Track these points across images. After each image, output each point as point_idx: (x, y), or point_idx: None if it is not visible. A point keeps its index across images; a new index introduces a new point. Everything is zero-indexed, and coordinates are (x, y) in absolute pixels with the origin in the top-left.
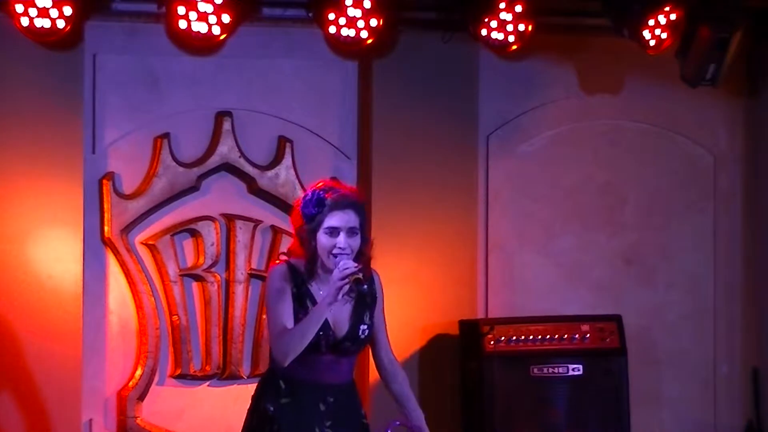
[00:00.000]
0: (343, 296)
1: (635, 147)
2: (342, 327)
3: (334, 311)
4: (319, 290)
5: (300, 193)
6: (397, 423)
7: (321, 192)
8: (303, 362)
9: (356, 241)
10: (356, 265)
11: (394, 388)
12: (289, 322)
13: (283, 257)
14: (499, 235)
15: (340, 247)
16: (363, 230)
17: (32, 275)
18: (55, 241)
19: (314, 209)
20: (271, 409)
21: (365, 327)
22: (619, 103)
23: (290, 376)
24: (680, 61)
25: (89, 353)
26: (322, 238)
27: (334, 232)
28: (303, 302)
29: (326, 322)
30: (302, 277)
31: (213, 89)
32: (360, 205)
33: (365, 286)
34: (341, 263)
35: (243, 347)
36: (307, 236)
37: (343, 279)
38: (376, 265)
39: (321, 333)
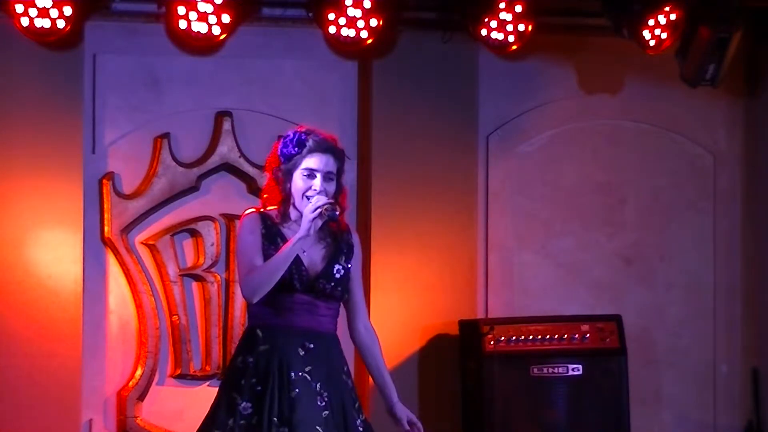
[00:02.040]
0: (315, 232)
1: (635, 147)
2: (316, 265)
3: (309, 251)
4: (290, 233)
5: None
6: None
7: (303, 134)
8: (279, 305)
9: (332, 187)
10: (329, 200)
11: (370, 362)
12: (259, 261)
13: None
14: (498, 235)
15: (315, 190)
16: (339, 177)
17: (32, 275)
18: (55, 241)
19: (294, 149)
20: (250, 360)
21: (340, 267)
22: (619, 103)
23: (267, 322)
24: (680, 61)
25: (89, 353)
26: (299, 180)
27: (311, 174)
28: (274, 240)
29: (299, 259)
30: (273, 222)
31: (213, 89)
32: (339, 151)
33: (337, 214)
34: (314, 198)
35: None
36: (282, 176)
37: (314, 211)
38: (375, 262)
39: (294, 270)
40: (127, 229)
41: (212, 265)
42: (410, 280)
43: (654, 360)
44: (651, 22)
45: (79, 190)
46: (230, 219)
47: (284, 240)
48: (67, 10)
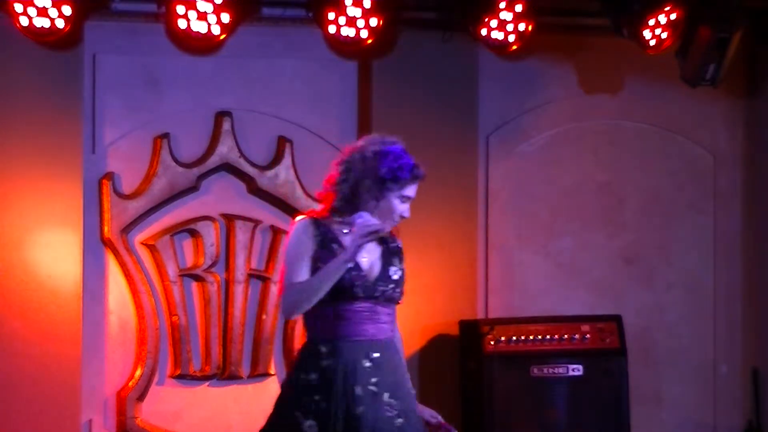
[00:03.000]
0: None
1: (635, 147)
2: (374, 269)
3: (368, 256)
4: (343, 233)
5: (299, 194)
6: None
7: (414, 166)
8: (340, 315)
9: None
10: (378, 224)
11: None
12: (301, 276)
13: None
14: (499, 235)
15: (403, 216)
16: None
17: (32, 275)
18: (54, 241)
19: (406, 175)
20: (313, 376)
21: (396, 269)
22: (619, 103)
23: (330, 336)
24: (680, 61)
25: (89, 353)
26: (395, 201)
27: (405, 200)
28: (329, 246)
29: (358, 264)
30: (328, 227)
31: (212, 89)
32: None
33: (397, 244)
34: (360, 219)
35: (242, 347)
36: (377, 190)
37: (366, 236)
38: None
39: (355, 276)
40: (127, 229)
41: (212, 266)
42: (410, 281)
43: (654, 360)
44: (651, 22)
45: (78, 190)
46: (230, 219)
47: (340, 245)
48: (67, 10)
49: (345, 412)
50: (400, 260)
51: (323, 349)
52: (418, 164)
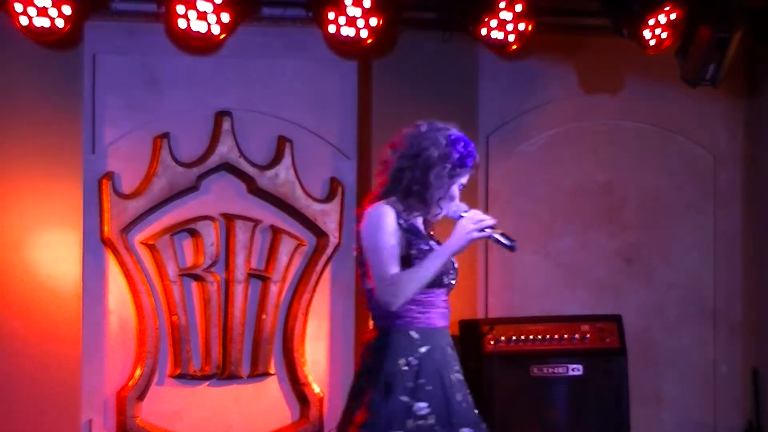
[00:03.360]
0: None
1: (635, 147)
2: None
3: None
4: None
5: (299, 194)
6: None
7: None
8: (425, 303)
9: None
10: (491, 220)
11: None
12: (396, 268)
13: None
14: None
15: (458, 204)
16: None
17: (32, 275)
18: (54, 241)
19: (470, 163)
20: (414, 362)
21: (453, 259)
22: (619, 103)
23: (419, 324)
24: (680, 61)
25: (89, 353)
26: (455, 188)
27: (461, 189)
28: (417, 233)
29: None
30: (399, 214)
31: (212, 89)
32: None
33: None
34: (472, 212)
35: (242, 347)
36: (448, 176)
37: (482, 230)
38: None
39: (449, 265)
40: (127, 229)
41: (212, 265)
42: None
43: (654, 360)
44: (651, 22)
45: (78, 190)
46: (230, 219)
47: (419, 235)
48: (67, 10)
49: (447, 398)
50: None
51: (416, 336)
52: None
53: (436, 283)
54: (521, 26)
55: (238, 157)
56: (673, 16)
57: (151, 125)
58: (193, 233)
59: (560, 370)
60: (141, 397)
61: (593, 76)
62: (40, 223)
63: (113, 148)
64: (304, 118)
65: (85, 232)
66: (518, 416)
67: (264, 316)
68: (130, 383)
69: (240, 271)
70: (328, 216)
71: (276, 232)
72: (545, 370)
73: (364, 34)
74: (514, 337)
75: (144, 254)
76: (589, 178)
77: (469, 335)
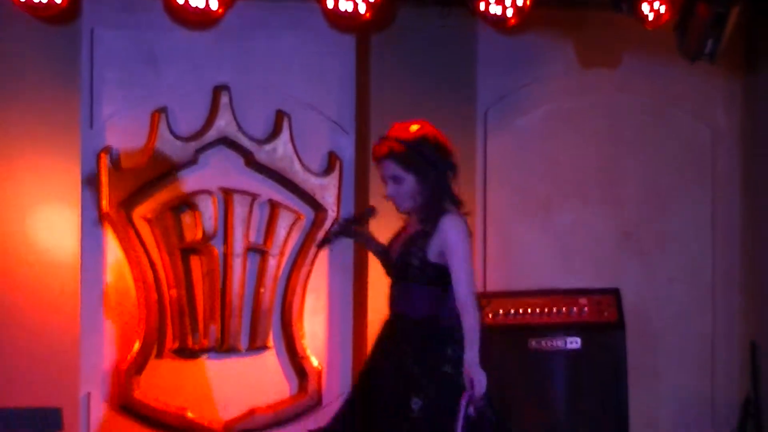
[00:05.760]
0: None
1: (633, 122)
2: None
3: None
4: None
5: (297, 168)
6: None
7: None
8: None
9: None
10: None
11: None
12: None
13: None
14: (497, 209)
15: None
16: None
17: (31, 250)
18: (53, 215)
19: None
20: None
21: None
22: (617, 78)
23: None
24: (678, 36)
25: (87, 327)
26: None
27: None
28: None
29: None
30: None
31: (210, 63)
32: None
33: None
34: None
35: (241, 321)
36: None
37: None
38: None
39: None
40: (125, 203)
41: (210, 239)
42: None
43: (652, 334)
44: None
45: (76, 165)
46: (228, 193)
47: None
48: None
49: None
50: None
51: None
52: None
53: None
54: (519, 1)
55: (237, 132)
56: None
57: (149, 100)
58: (192, 207)
59: (558, 343)
60: (139, 370)
61: (592, 51)
62: (38, 197)
63: (111, 122)
64: (303, 93)
65: (84, 207)
66: (516, 389)
67: (262, 290)
68: (129, 357)
69: (238, 245)
70: (326, 190)
71: (274, 206)
72: (543, 343)
73: (362, 9)
74: (512, 311)
75: (142, 228)
76: (587, 152)
77: None
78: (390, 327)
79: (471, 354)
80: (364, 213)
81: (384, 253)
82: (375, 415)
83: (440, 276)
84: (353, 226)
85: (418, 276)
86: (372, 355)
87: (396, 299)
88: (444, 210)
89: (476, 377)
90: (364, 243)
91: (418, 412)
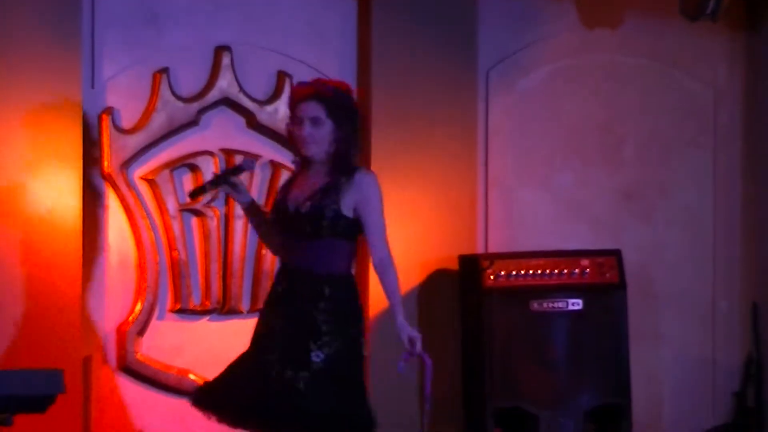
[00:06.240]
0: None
1: (634, 82)
2: None
3: None
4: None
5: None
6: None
7: None
8: None
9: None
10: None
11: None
12: None
13: None
14: (498, 170)
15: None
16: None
17: (32, 210)
18: (54, 176)
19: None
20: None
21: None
22: (619, 38)
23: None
24: None
25: (88, 289)
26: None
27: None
28: None
29: None
30: None
31: (212, 24)
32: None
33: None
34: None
35: (242, 282)
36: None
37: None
38: None
39: None
40: (127, 164)
41: (212, 200)
42: (409, 215)
43: (653, 296)
44: None
45: (78, 126)
46: (230, 154)
47: None
48: None
49: None
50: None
51: None
52: None
53: None
54: None
55: (238, 92)
56: None
57: (151, 60)
58: (193, 168)
59: (560, 304)
60: (141, 332)
61: (593, 11)
62: (39, 158)
63: (112, 83)
64: (304, 54)
65: (85, 168)
66: (518, 351)
67: (263, 252)
68: (130, 318)
69: (240, 207)
70: None
71: (276, 167)
72: (545, 304)
73: None
74: (513, 272)
75: (144, 189)
76: (589, 113)
77: (469, 270)
78: (288, 282)
79: (402, 313)
80: (242, 164)
81: (276, 205)
82: (271, 365)
83: (349, 231)
84: (230, 177)
85: (330, 230)
86: (267, 313)
87: (299, 253)
88: (356, 165)
89: (414, 335)
90: (237, 195)
91: (320, 363)
